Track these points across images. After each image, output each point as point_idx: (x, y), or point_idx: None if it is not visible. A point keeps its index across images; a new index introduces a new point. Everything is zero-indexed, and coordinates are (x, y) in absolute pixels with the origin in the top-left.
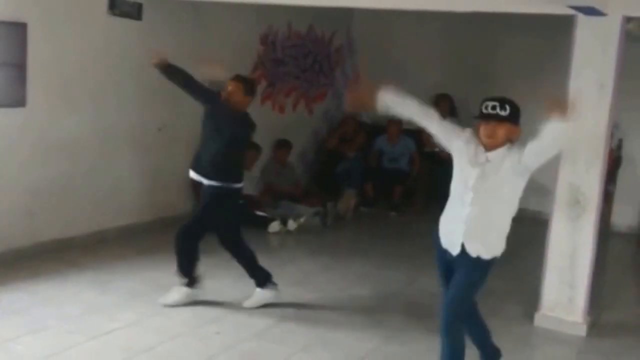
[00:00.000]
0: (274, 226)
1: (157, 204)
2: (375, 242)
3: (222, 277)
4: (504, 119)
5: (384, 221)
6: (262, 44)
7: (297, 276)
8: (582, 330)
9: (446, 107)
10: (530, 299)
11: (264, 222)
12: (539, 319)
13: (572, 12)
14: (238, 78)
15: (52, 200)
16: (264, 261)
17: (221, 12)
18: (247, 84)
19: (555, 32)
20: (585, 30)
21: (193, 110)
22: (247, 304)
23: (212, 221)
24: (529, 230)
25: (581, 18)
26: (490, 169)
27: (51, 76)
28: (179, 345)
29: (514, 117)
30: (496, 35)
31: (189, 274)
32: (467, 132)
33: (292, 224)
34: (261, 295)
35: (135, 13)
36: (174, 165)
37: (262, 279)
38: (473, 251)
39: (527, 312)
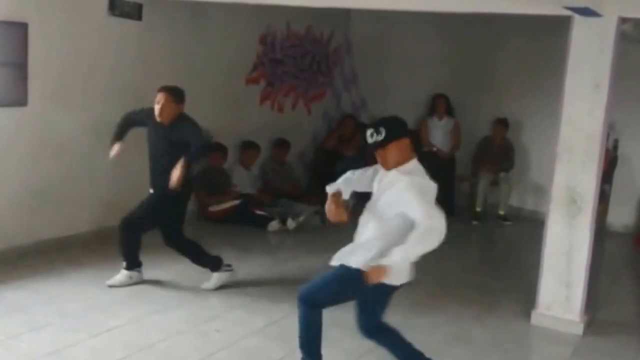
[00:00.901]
0: (273, 225)
1: None
2: None
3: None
4: (382, 144)
5: None
6: (261, 44)
7: (296, 274)
8: (579, 329)
9: (443, 106)
10: (527, 297)
11: (263, 221)
12: (536, 317)
13: (568, 12)
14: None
15: (53, 199)
16: (263, 260)
17: (220, 13)
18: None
19: (551, 33)
20: (581, 31)
21: (193, 109)
22: (205, 285)
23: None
24: (525, 229)
25: (577, 19)
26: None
27: (52, 76)
28: (180, 342)
29: (393, 135)
30: (494, 35)
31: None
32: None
33: (291, 223)
34: (217, 277)
35: (135, 13)
36: None
37: (215, 263)
38: None
39: (524, 311)
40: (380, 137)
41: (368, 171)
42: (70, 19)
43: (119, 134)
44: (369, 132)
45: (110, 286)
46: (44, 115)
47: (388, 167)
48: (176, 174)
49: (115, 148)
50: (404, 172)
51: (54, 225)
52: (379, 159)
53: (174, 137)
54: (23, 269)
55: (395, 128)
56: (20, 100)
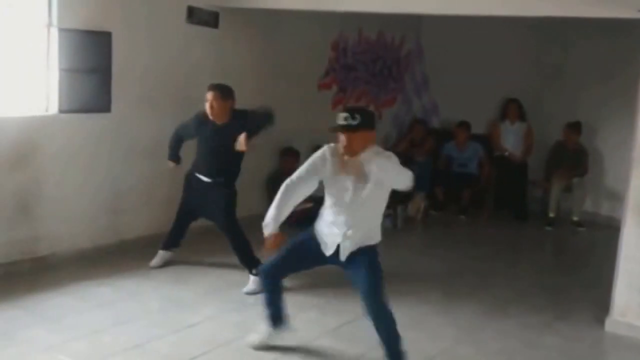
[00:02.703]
0: None
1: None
2: (445, 245)
3: (296, 276)
4: (355, 128)
5: (454, 224)
6: (333, 50)
7: None
8: None
9: (515, 111)
10: (601, 304)
11: None
12: (610, 324)
13: None
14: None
15: (135, 200)
16: None
17: (293, 20)
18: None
19: (627, 34)
20: None
21: None
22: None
23: None
24: (600, 235)
25: None
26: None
27: (134, 83)
28: None
29: (366, 124)
30: (566, 38)
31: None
32: (325, 150)
33: None
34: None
35: (212, 21)
36: (251, 167)
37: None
38: None
39: (597, 317)
40: (355, 122)
41: (311, 169)
42: (151, 27)
43: (173, 155)
44: (343, 115)
45: (247, 293)
46: (126, 121)
47: (351, 151)
48: (243, 137)
49: (171, 165)
50: (374, 152)
51: (136, 225)
52: (343, 141)
53: (234, 133)
54: (107, 267)
55: (369, 119)
56: (104, 106)
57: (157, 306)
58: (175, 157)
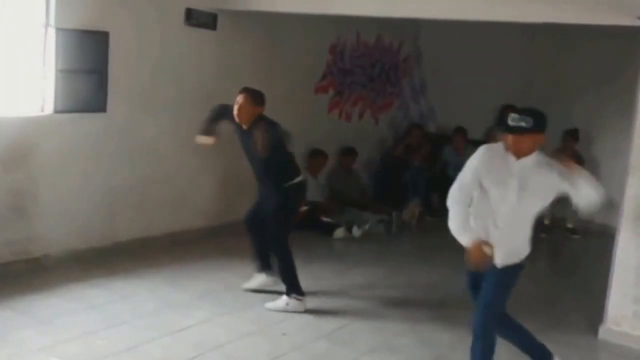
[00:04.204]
0: (339, 232)
1: (231, 208)
2: (440, 252)
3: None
4: (528, 130)
5: (448, 231)
6: (330, 53)
7: (362, 281)
8: None
9: None
10: (596, 312)
11: (329, 228)
12: (604, 333)
13: None
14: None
15: (131, 202)
16: (328, 267)
17: (291, 23)
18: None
19: (626, 42)
20: None
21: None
22: (270, 305)
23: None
24: (594, 243)
25: None
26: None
27: (130, 83)
28: (248, 344)
29: (539, 127)
30: (564, 45)
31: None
32: (484, 152)
33: (356, 231)
34: (285, 301)
35: (211, 23)
36: (248, 170)
37: (293, 288)
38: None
39: (591, 325)
40: (528, 125)
41: (470, 172)
42: (149, 28)
43: (208, 129)
44: (516, 115)
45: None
46: (121, 122)
47: (520, 154)
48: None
49: (202, 139)
50: (538, 158)
51: (132, 227)
52: (511, 144)
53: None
54: (101, 268)
55: (542, 121)
56: (100, 106)
57: (150, 308)
58: (208, 131)
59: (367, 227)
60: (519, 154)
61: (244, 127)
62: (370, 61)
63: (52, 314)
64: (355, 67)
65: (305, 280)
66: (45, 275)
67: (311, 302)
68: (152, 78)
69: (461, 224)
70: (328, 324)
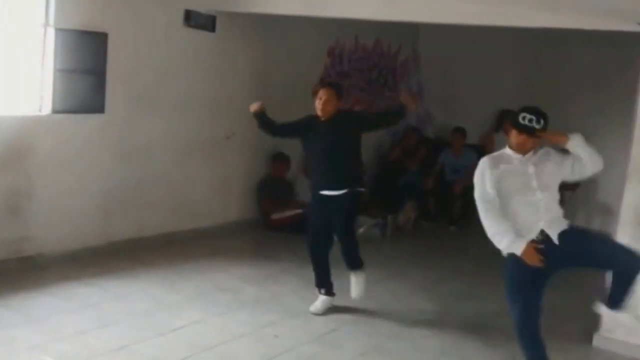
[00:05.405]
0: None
1: (225, 209)
2: (434, 256)
3: (284, 282)
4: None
5: (444, 235)
6: (328, 56)
7: None
8: None
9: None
10: (590, 319)
11: None
12: (598, 340)
13: None
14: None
15: (126, 202)
16: None
17: (290, 25)
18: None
19: (625, 48)
20: None
21: None
22: (313, 309)
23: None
24: None
25: None
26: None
27: (128, 84)
28: (240, 345)
29: (546, 128)
30: (562, 50)
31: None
32: (487, 161)
33: None
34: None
35: (210, 25)
36: (242, 172)
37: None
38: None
39: (586, 332)
40: (540, 127)
41: (485, 179)
42: (147, 29)
43: (266, 118)
44: (532, 116)
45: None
46: (119, 122)
47: (524, 151)
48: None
49: (259, 105)
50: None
51: (126, 228)
52: (520, 142)
53: (343, 127)
54: (95, 268)
55: (548, 121)
56: (98, 107)
57: (144, 308)
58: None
59: (361, 230)
60: (523, 151)
61: (324, 119)
62: (368, 65)
63: (46, 312)
64: (354, 70)
65: (298, 283)
66: (40, 273)
67: (304, 306)
68: (151, 79)
69: (507, 235)
70: (320, 326)
